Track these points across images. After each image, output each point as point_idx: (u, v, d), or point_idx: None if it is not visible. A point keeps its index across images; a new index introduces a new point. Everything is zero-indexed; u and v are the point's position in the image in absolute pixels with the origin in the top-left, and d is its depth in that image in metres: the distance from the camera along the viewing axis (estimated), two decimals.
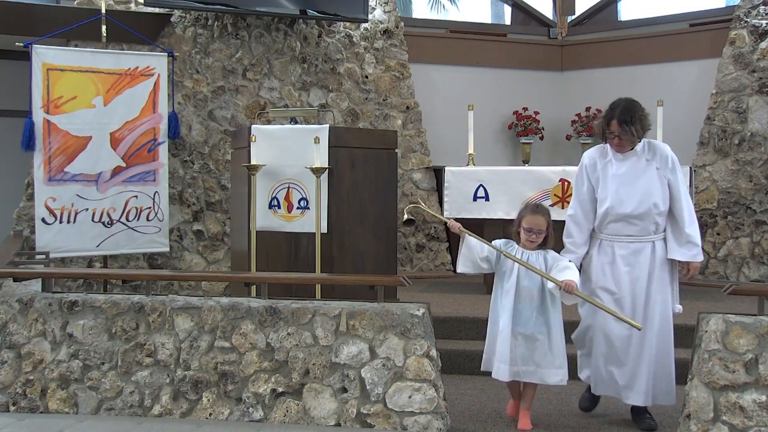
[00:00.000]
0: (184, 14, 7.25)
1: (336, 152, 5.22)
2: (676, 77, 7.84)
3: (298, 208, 5.23)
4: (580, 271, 3.84)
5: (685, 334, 4.16)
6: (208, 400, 4.01)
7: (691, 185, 5.83)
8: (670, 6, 8.58)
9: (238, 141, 5.63)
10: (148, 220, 6.55)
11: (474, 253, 3.85)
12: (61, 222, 6.19)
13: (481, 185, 6.29)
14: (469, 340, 5.15)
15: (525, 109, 8.24)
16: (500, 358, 3.76)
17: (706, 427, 3.40)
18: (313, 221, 5.13)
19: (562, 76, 8.65)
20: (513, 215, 5.99)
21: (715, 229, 7.23)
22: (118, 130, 6.41)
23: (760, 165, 7.11)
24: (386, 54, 7.96)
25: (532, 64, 8.56)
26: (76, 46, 6.79)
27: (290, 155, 5.22)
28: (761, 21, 7.20)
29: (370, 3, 7.68)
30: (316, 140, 5.05)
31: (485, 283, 6.40)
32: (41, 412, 4.11)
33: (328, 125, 5.30)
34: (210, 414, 3.99)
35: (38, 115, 6.12)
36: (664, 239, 3.83)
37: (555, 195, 6.07)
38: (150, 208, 6.56)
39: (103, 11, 6.65)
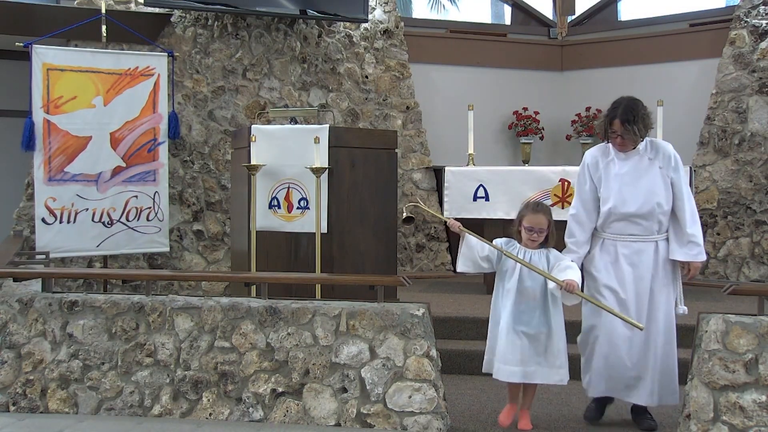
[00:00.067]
0: (184, 14, 7.25)
1: (336, 152, 5.22)
2: (676, 77, 7.84)
3: (298, 208, 5.23)
4: (581, 271, 3.81)
5: (685, 334, 4.15)
6: (208, 400, 4.01)
7: (691, 185, 5.82)
8: (670, 6, 8.58)
9: (238, 141, 5.63)
10: (148, 220, 6.55)
11: (474, 252, 3.82)
12: (61, 222, 6.19)
13: (481, 185, 6.28)
14: (469, 340, 5.15)
15: (525, 109, 8.24)
16: (506, 360, 3.71)
17: (706, 427, 3.40)
18: (313, 221, 5.13)
19: (562, 76, 8.65)
20: (513, 215, 5.98)
21: (715, 229, 7.23)
22: (118, 130, 6.41)
23: (760, 165, 7.11)
24: (386, 54, 7.96)
25: (532, 64, 8.56)
26: (76, 46, 6.79)
27: (290, 155, 5.22)
28: (761, 21, 7.20)
29: (370, 3, 7.68)
30: (316, 140, 5.05)
31: (485, 283, 6.40)
32: (41, 412, 4.11)
33: (328, 125, 5.30)
34: (210, 414, 3.99)
35: (38, 115, 6.12)
36: (667, 239, 3.80)
37: (555, 195, 6.07)
38: (150, 208, 6.56)
39: (103, 11, 6.65)
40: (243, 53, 7.42)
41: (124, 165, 6.43)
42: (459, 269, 3.90)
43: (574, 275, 3.67)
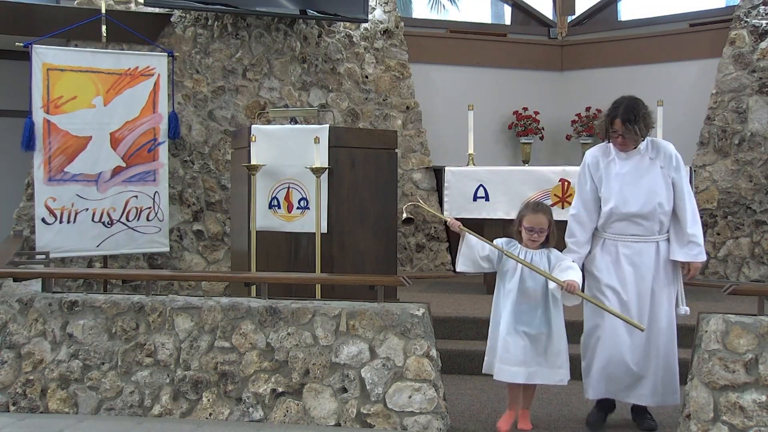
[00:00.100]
0: (184, 14, 7.25)
1: (336, 152, 5.22)
2: (676, 77, 7.84)
3: (298, 208, 5.23)
4: (582, 271, 3.79)
5: (685, 334, 4.15)
6: (208, 400, 4.01)
7: (691, 185, 5.81)
8: (670, 6, 8.58)
9: (238, 141, 5.63)
10: (148, 220, 6.55)
11: (474, 252, 3.79)
12: (61, 222, 6.19)
13: (481, 185, 6.28)
14: (469, 340, 5.15)
15: (525, 109, 8.24)
16: (507, 360, 3.68)
17: (706, 427, 3.40)
18: (313, 221, 5.13)
19: (562, 76, 8.65)
20: (513, 215, 5.97)
21: (715, 229, 7.23)
22: (118, 130, 6.41)
23: (760, 165, 7.11)
24: (386, 54, 7.96)
25: (532, 64, 8.56)
26: (76, 46, 6.79)
27: (290, 155, 5.22)
28: (761, 21, 7.20)
29: (370, 3, 7.69)
30: (316, 140, 5.05)
31: (485, 283, 6.40)
32: (41, 412, 4.11)
33: (328, 125, 5.30)
34: (210, 414, 3.99)
35: (38, 115, 6.12)
36: (668, 239, 3.78)
37: (555, 195, 6.07)
38: (150, 208, 6.56)
39: (103, 11, 6.65)
40: (243, 53, 7.42)
41: (124, 165, 6.43)
42: (459, 269, 3.87)
43: (575, 276, 3.64)
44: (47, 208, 6.13)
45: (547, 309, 3.73)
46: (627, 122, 3.69)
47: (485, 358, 3.86)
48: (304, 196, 5.21)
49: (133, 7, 7.18)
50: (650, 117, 3.80)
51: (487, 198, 6.26)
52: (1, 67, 7.61)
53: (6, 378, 4.18)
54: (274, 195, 5.28)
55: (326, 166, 5.13)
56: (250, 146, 5.21)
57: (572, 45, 8.60)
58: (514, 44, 8.58)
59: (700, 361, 3.46)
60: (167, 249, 6.76)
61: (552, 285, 3.66)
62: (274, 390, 3.95)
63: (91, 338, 4.16)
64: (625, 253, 3.76)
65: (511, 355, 3.68)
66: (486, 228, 6.10)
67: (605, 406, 3.94)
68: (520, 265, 3.73)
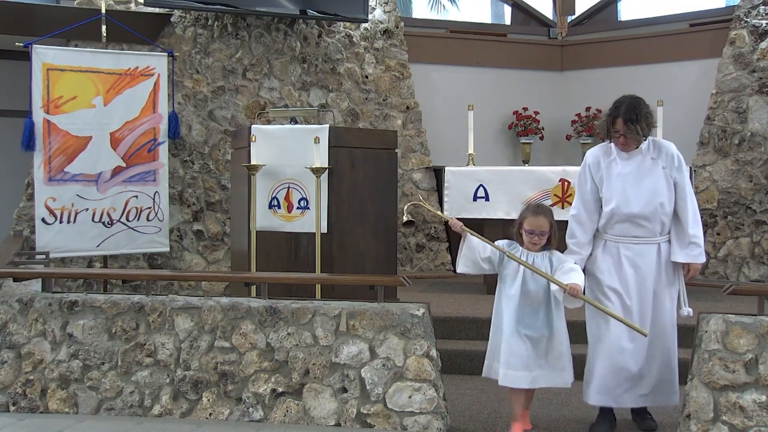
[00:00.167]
0: (184, 14, 7.25)
1: (336, 152, 5.22)
2: (676, 77, 7.84)
3: (298, 208, 5.24)
4: (583, 272, 3.74)
5: (685, 334, 4.15)
6: (208, 400, 4.01)
7: (691, 184, 5.81)
8: (670, 6, 8.58)
9: (238, 141, 5.63)
10: (148, 220, 6.55)
11: (475, 253, 3.74)
12: (61, 222, 6.19)
13: (481, 185, 6.28)
14: (469, 340, 5.15)
15: (525, 109, 8.24)
16: (511, 365, 3.63)
17: (706, 427, 3.40)
18: (313, 221, 5.13)
19: (562, 76, 8.65)
20: (513, 215, 6.00)
21: (715, 229, 7.23)
22: (118, 130, 6.41)
23: (760, 165, 7.11)
24: (386, 54, 7.96)
25: (532, 64, 8.56)
26: (76, 46, 6.79)
27: (290, 155, 5.22)
28: (761, 21, 7.20)
29: (370, 3, 7.69)
30: (316, 140, 5.05)
31: (485, 283, 6.40)
32: (41, 412, 4.11)
33: (328, 125, 5.30)
34: (210, 414, 3.99)
35: (38, 115, 6.12)
36: (669, 241, 3.76)
37: (555, 195, 6.07)
38: (150, 208, 6.56)
39: (103, 11, 6.65)
40: (243, 53, 7.42)
41: (124, 165, 6.43)
42: (459, 270, 3.83)
43: (578, 279, 3.59)
44: (47, 208, 6.13)
45: (549, 311, 3.70)
46: (629, 122, 3.65)
47: (485, 362, 3.82)
48: (304, 196, 5.21)
49: (133, 7, 7.18)
50: (652, 116, 3.76)
51: (487, 198, 6.27)
52: (1, 67, 7.61)
53: (6, 378, 4.18)
54: (274, 195, 5.28)
55: (326, 166, 5.13)
56: (250, 146, 5.21)
57: (572, 45, 8.60)
58: (514, 44, 8.58)
59: (700, 361, 3.46)
60: (167, 249, 6.76)
61: (554, 287, 3.61)
62: (274, 390, 3.95)
63: (91, 338, 4.16)
64: (627, 255, 3.73)
65: (514, 360, 3.63)
66: (486, 228, 6.10)
67: (609, 419, 3.86)
68: (522, 268, 3.68)
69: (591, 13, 8.80)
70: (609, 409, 3.84)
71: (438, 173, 7.76)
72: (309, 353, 3.93)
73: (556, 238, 3.76)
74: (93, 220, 6.33)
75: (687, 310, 3.77)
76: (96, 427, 3.90)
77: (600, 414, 3.86)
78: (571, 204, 4.11)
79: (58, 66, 6.20)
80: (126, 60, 6.49)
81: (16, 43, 6.24)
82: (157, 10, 7.13)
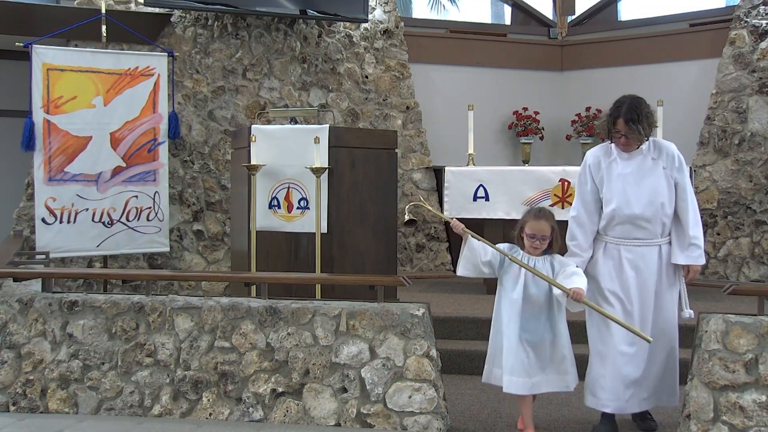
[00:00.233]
0: (184, 14, 7.25)
1: (336, 152, 5.22)
2: (676, 77, 7.84)
3: (298, 208, 5.24)
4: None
5: (685, 334, 4.15)
6: (208, 400, 4.01)
7: (691, 184, 5.80)
8: (670, 6, 8.58)
9: (238, 141, 5.63)
10: (148, 220, 6.55)
11: (476, 256, 3.69)
12: (61, 222, 6.19)
13: (481, 185, 6.28)
14: (469, 340, 5.15)
15: (525, 109, 8.24)
16: (515, 371, 3.59)
17: (706, 427, 3.40)
18: (313, 221, 5.13)
19: (562, 76, 8.65)
20: (513, 215, 6.07)
21: (715, 229, 7.23)
22: (118, 130, 6.41)
23: (760, 165, 7.11)
24: (386, 54, 7.96)
25: (532, 64, 8.56)
26: (76, 46, 6.79)
27: (290, 155, 5.22)
28: (761, 21, 7.20)
29: (370, 3, 7.69)
30: (316, 140, 5.05)
31: (485, 283, 6.40)
32: (41, 412, 4.11)
33: (328, 125, 5.30)
34: (210, 414, 3.99)
35: (38, 115, 6.12)
36: (670, 242, 3.73)
37: (555, 195, 6.07)
38: (150, 208, 6.56)
39: (103, 11, 6.65)
40: (243, 53, 7.42)
41: (124, 165, 6.43)
42: (459, 273, 3.78)
43: (581, 283, 3.55)
44: (47, 208, 6.13)
45: (551, 315, 3.67)
46: (630, 122, 3.61)
47: (485, 367, 3.79)
48: (304, 196, 5.21)
49: (133, 7, 7.18)
50: (653, 116, 3.73)
51: (487, 198, 6.27)
52: (1, 67, 7.61)
53: (6, 378, 4.18)
54: (274, 195, 5.28)
55: (326, 166, 5.13)
56: (250, 146, 5.21)
57: (572, 45, 8.60)
58: (514, 44, 8.58)
59: (700, 361, 3.46)
60: (167, 249, 6.77)
61: (557, 291, 3.57)
62: (274, 390, 3.95)
63: (91, 338, 4.16)
64: (628, 258, 3.70)
65: (519, 367, 3.59)
66: (486, 228, 6.12)
67: (612, 421, 3.83)
68: (523, 272, 3.64)
69: (591, 13, 8.80)
70: (610, 418, 3.81)
71: (438, 173, 7.76)
72: (309, 353, 3.93)
73: (557, 243, 3.72)
74: (93, 220, 6.33)
75: (688, 312, 3.75)
76: (96, 427, 3.90)
77: (603, 416, 3.83)
78: (571, 204, 4.08)
79: (58, 66, 6.20)
80: (126, 60, 6.49)
81: (16, 43, 6.24)
82: (157, 10, 7.13)
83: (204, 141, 7.27)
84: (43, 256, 5.92)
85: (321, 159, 5.10)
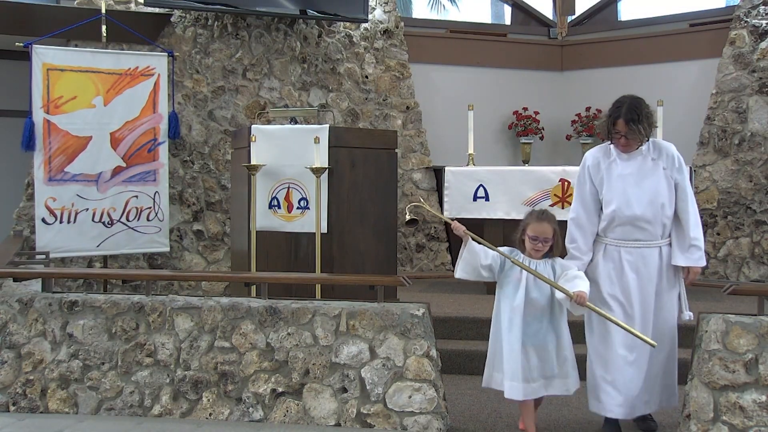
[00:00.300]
0: (184, 14, 7.25)
1: (336, 152, 5.22)
2: (676, 77, 7.84)
3: (298, 208, 5.24)
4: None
5: (685, 334, 4.15)
6: (208, 400, 4.01)
7: (691, 185, 5.79)
8: (670, 6, 8.59)
9: (238, 141, 5.63)
10: (148, 220, 6.56)
11: (476, 258, 3.63)
12: (61, 222, 6.19)
13: (481, 185, 6.28)
14: (469, 340, 5.15)
15: (525, 109, 8.24)
16: (513, 376, 3.55)
17: (706, 427, 3.40)
18: (313, 221, 5.13)
19: (562, 76, 8.65)
20: (513, 215, 6.07)
21: (715, 229, 7.23)
22: (118, 130, 6.41)
23: (760, 165, 7.12)
24: (386, 54, 7.97)
25: (532, 64, 8.56)
26: (76, 46, 6.79)
27: (290, 155, 5.22)
28: (761, 21, 7.20)
29: (370, 3, 7.69)
30: (316, 140, 5.05)
31: (485, 283, 6.37)
32: (41, 412, 4.11)
33: (328, 125, 5.30)
34: (210, 414, 3.99)
35: (38, 115, 6.12)
36: (670, 244, 3.71)
37: (555, 195, 6.07)
38: (150, 208, 6.56)
39: (103, 11, 6.65)
40: (243, 53, 7.42)
41: (124, 165, 6.43)
42: (458, 275, 3.71)
43: (584, 286, 3.51)
44: (47, 208, 6.13)
45: (553, 318, 3.63)
46: (631, 122, 3.58)
47: (485, 371, 3.74)
48: (304, 196, 5.21)
49: (133, 7, 7.18)
50: (652, 116, 3.70)
51: (487, 198, 6.27)
52: (1, 67, 7.61)
53: (6, 378, 4.18)
54: (274, 195, 5.28)
55: (326, 166, 5.13)
56: (250, 146, 5.21)
57: (572, 45, 8.60)
58: (514, 44, 8.58)
59: (700, 361, 3.46)
60: (167, 249, 6.77)
61: (560, 295, 3.53)
62: (274, 390, 3.95)
63: (91, 338, 4.16)
64: (629, 260, 3.67)
65: (522, 372, 3.55)
66: (486, 228, 6.12)
67: (614, 423, 3.80)
68: (524, 277, 3.60)
69: (591, 13, 8.81)
70: (614, 423, 3.79)
71: (438, 173, 7.76)
72: (309, 353, 3.93)
73: (559, 246, 3.68)
74: (93, 220, 6.33)
75: (688, 314, 3.74)
76: (96, 427, 3.90)
77: (606, 420, 3.81)
78: (571, 204, 4.06)
79: (58, 66, 6.20)
80: (126, 60, 6.49)
81: (16, 43, 6.24)
82: (157, 10, 7.13)
83: (204, 141, 7.27)
84: (43, 256, 5.92)
85: (321, 159, 5.10)
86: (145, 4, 7.00)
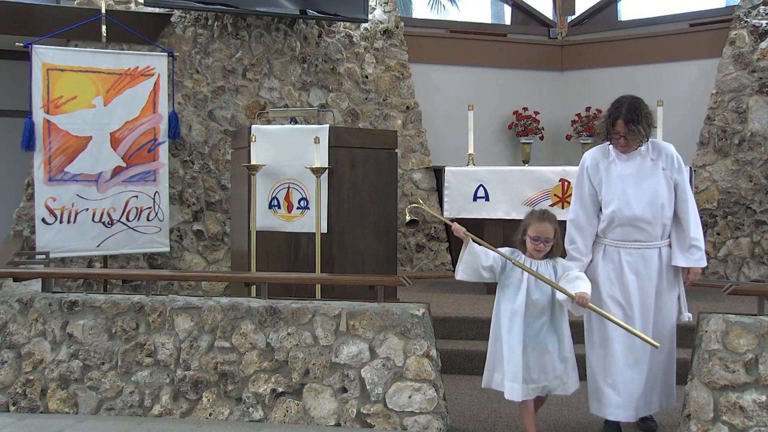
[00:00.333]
0: (184, 14, 7.25)
1: (336, 152, 5.22)
2: (676, 77, 7.84)
3: (298, 208, 5.24)
4: None
5: (685, 334, 4.15)
6: (208, 400, 4.01)
7: (691, 185, 5.78)
8: (670, 6, 8.59)
9: (238, 141, 5.63)
10: (148, 220, 6.56)
11: (477, 260, 3.60)
12: (61, 222, 6.19)
13: (481, 185, 6.28)
14: (469, 340, 5.15)
15: (525, 109, 8.24)
16: (514, 378, 3.53)
17: (706, 427, 3.40)
18: (313, 221, 5.13)
19: (562, 76, 8.65)
20: (513, 215, 6.08)
21: (715, 229, 7.23)
22: (118, 130, 6.41)
23: (760, 165, 7.12)
24: (386, 54, 7.97)
25: (532, 64, 8.56)
26: (76, 46, 6.79)
27: (290, 155, 5.22)
28: (761, 21, 7.20)
29: (370, 3, 7.69)
30: (316, 140, 5.05)
31: (485, 282, 6.34)
32: (41, 412, 4.11)
33: (328, 125, 5.30)
34: (210, 414, 3.99)
35: (38, 115, 6.12)
36: (670, 245, 3.69)
37: (555, 195, 6.07)
38: (150, 208, 6.56)
39: (103, 11, 6.65)
40: (243, 53, 7.42)
41: (124, 165, 6.43)
42: (458, 277, 3.68)
43: (586, 287, 3.49)
44: (47, 208, 6.13)
45: (554, 319, 3.61)
46: (630, 123, 3.57)
47: (485, 372, 3.72)
48: (304, 196, 5.21)
49: (133, 7, 7.18)
50: (651, 116, 3.68)
51: (487, 198, 6.27)
52: (1, 67, 7.61)
53: (6, 378, 4.18)
54: (274, 195, 5.28)
55: (326, 166, 5.13)
56: (250, 146, 5.21)
57: (572, 45, 8.60)
58: (514, 44, 8.58)
59: (700, 361, 3.46)
60: (167, 249, 6.77)
61: (561, 296, 3.50)
62: (274, 390, 3.95)
63: (91, 338, 4.16)
64: (628, 260, 3.66)
65: (521, 373, 3.53)
66: (486, 228, 6.12)
67: (615, 425, 3.79)
68: (525, 278, 3.58)
69: (591, 13, 8.81)
70: (614, 425, 3.78)
71: (438, 173, 7.76)
72: (309, 353, 3.93)
73: (559, 246, 3.67)
74: (93, 220, 6.33)
75: (687, 316, 3.73)
76: (96, 427, 3.90)
77: (606, 422, 3.80)
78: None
79: (58, 66, 6.20)
80: (126, 60, 6.49)
81: (16, 43, 6.24)
82: (157, 10, 7.13)
83: (204, 141, 7.27)
84: (43, 256, 5.92)
85: (321, 159, 5.10)
86: (145, 4, 7.00)
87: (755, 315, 3.50)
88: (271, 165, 5.22)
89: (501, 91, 8.35)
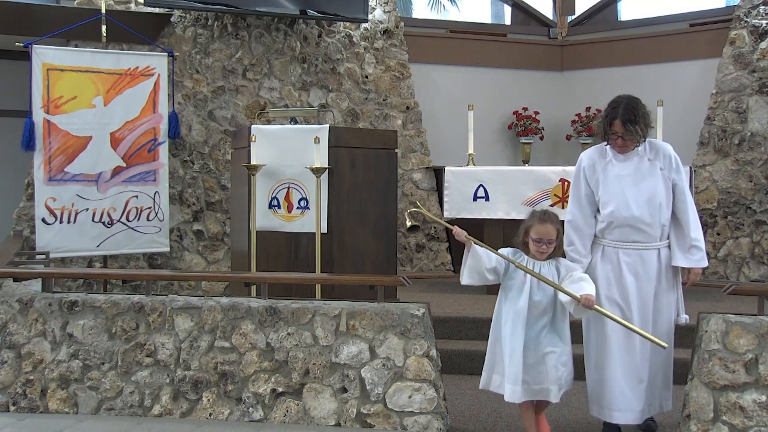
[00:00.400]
0: (184, 14, 7.25)
1: (336, 152, 5.22)
2: (676, 77, 7.85)
3: (298, 208, 5.24)
4: None
5: (685, 334, 4.15)
6: (208, 400, 4.01)
7: (691, 185, 5.78)
8: (670, 6, 8.60)
9: (238, 141, 5.63)
10: (148, 220, 6.56)
11: (481, 263, 3.55)
12: (61, 222, 6.19)
13: (481, 185, 6.29)
14: (469, 340, 5.15)
15: (525, 109, 8.24)
16: (515, 380, 3.50)
17: (706, 427, 3.40)
18: (313, 221, 5.13)
19: (562, 76, 8.65)
20: (513, 215, 6.08)
21: (715, 229, 7.23)
22: (118, 130, 6.41)
23: (760, 165, 7.12)
24: (386, 54, 7.97)
25: (532, 64, 8.56)
26: (76, 46, 6.79)
27: (290, 155, 5.22)
28: (761, 21, 7.20)
29: (370, 3, 7.69)
30: (316, 140, 5.05)
31: None
32: (41, 412, 4.12)
33: (328, 125, 5.30)
34: (210, 414, 3.99)
35: (38, 115, 6.12)
36: (669, 245, 3.67)
37: (555, 195, 6.08)
38: (150, 208, 6.56)
39: (103, 11, 6.65)
40: (243, 53, 7.42)
41: (124, 165, 6.43)
42: (464, 282, 3.63)
43: (590, 288, 3.45)
44: (47, 208, 6.13)
45: (556, 320, 3.59)
46: (627, 123, 3.55)
47: (483, 373, 3.69)
48: (304, 196, 5.21)
49: (133, 7, 7.19)
50: (649, 116, 3.66)
51: (487, 198, 6.27)
52: (1, 67, 7.61)
53: (6, 378, 4.18)
54: (274, 195, 5.28)
55: (326, 166, 5.13)
56: (250, 146, 5.21)
57: (572, 45, 8.60)
58: (514, 44, 8.58)
59: (700, 361, 3.46)
60: (167, 249, 6.77)
61: (565, 298, 3.47)
62: (274, 390, 3.95)
63: (91, 338, 4.16)
64: (627, 261, 3.64)
65: (522, 375, 3.50)
66: (486, 228, 6.12)
67: (615, 426, 3.78)
68: (528, 279, 3.55)
69: (591, 13, 8.81)
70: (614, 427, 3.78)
71: (438, 173, 7.76)
72: (309, 353, 3.93)
73: (561, 247, 3.64)
74: (93, 220, 6.33)
75: (684, 317, 3.73)
76: (96, 427, 3.90)
77: (605, 424, 3.79)
78: None
79: (58, 66, 6.20)
80: (126, 60, 6.49)
81: (16, 43, 6.24)
82: (157, 10, 7.14)
83: (204, 141, 7.27)
84: (43, 256, 5.92)
85: (321, 159, 5.10)
86: (145, 4, 7.00)
87: (755, 315, 3.50)
88: (271, 165, 5.22)
89: (501, 91, 8.35)
